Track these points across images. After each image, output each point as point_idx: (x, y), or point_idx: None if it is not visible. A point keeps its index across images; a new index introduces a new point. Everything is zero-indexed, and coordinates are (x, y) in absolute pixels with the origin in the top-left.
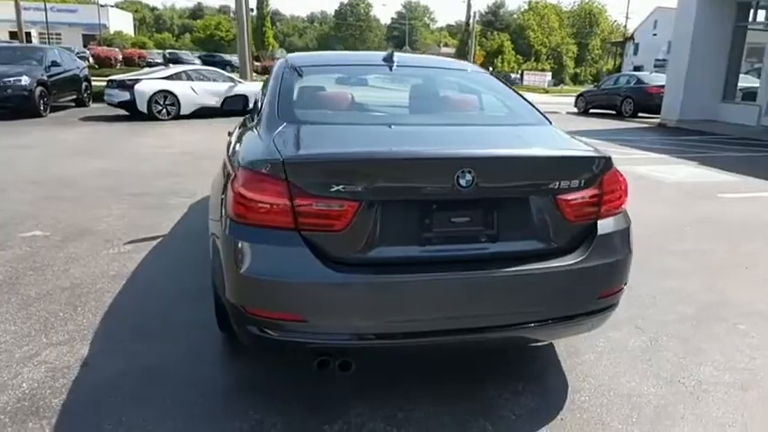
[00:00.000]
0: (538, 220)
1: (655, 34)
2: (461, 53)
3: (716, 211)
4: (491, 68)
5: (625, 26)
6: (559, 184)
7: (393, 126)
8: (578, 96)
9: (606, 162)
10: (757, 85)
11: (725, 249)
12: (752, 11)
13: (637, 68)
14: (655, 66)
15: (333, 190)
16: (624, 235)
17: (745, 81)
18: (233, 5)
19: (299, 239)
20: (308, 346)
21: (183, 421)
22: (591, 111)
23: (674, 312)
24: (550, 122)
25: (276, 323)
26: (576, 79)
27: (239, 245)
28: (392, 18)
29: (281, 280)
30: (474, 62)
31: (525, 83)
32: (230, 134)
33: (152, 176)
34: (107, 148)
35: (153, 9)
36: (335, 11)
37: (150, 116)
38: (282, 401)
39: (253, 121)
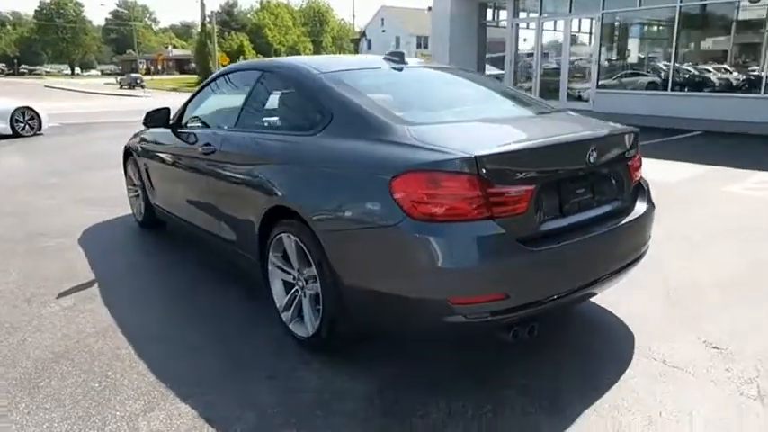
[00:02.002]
0: (621, 184)
1: (383, 30)
2: (201, 54)
3: None
4: None
5: (353, 24)
6: (628, 153)
7: (499, 119)
8: None
9: (638, 134)
10: (503, 71)
11: None
12: (489, 11)
13: None
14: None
15: (516, 178)
16: (650, 191)
17: (491, 70)
18: None
19: (496, 226)
20: (505, 321)
21: None
22: None
23: None
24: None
25: (482, 306)
26: None
27: (438, 242)
28: (107, 19)
29: (486, 265)
30: (219, 64)
31: None
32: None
33: None
34: None
35: None
36: (36, 11)
37: None
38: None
39: (303, 132)
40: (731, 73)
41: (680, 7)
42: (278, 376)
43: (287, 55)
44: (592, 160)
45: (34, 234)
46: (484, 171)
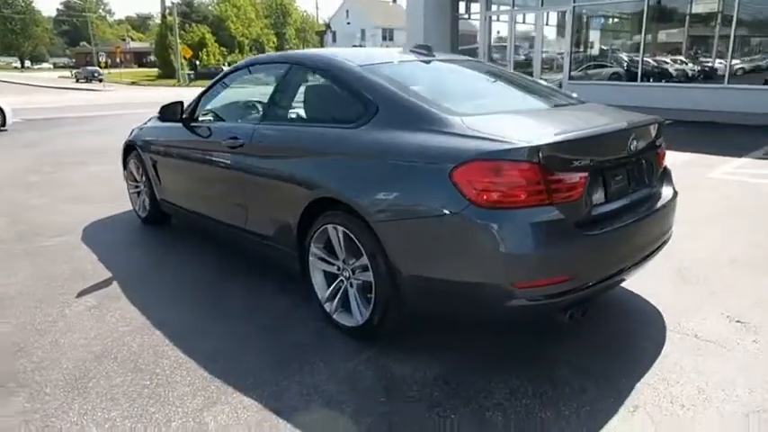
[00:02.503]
0: (651, 171)
1: (348, 23)
2: (162, 47)
3: None
4: (197, 62)
5: (316, 17)
6: (657, 141)
7: (539, 110)
8: None
9: (663, 123)
10: None
11: None
12: (462, 3)
13: None
14: None
15: (572, 166)
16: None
17: None
18: None
19: (557, 211)
20: (563, 303)
21: None
22: None
23: None
24: None
25: (543, 289)
26: None
27: (503, 228)
28: (58, 10)
29: (549, 249)
30: (182, 57)
31: None
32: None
33: None
34: None
35: None
36: None
37: None
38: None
39: (354, 125)
40: (698, 64)
41: (648, 0)
42: (333, 365)
43: (251, 48)
44: (632, 148)
45: (30, 234)
46: (544, 159)
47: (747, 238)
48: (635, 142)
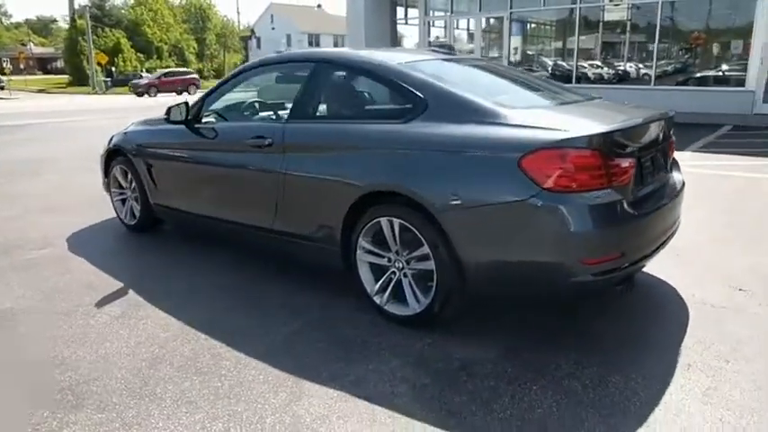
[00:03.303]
0: (666, 158)
1: (273, 28)
2: (72, 52)
3: None
4: (113, 69)
5: (238, 22)
6: (671, 132)
7: (574, 104)
8: None
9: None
10: None
11: None
12: (400, 9)
13: None
14: None
15: (623, 152)
16: None
17: None
18: None
19: (615, 193)
20: (617, 278)
21: None
22: None
23: None
24: None
25: (604, 265)
26: (200, 75)
27: (572, 210)
28: None
29: (611, 228)
30: (96, 62)
31: None
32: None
33: None
34: None
35: None
36: None
37: None
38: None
39: (400, 120)
40: (628, 67)
41: (579, 8)
42: (399, 353)
43: (170, 53)
44: (661, 137)
45: (9, 247)
46: (603, 146)
47: (715, 220)
48: (661, 132)
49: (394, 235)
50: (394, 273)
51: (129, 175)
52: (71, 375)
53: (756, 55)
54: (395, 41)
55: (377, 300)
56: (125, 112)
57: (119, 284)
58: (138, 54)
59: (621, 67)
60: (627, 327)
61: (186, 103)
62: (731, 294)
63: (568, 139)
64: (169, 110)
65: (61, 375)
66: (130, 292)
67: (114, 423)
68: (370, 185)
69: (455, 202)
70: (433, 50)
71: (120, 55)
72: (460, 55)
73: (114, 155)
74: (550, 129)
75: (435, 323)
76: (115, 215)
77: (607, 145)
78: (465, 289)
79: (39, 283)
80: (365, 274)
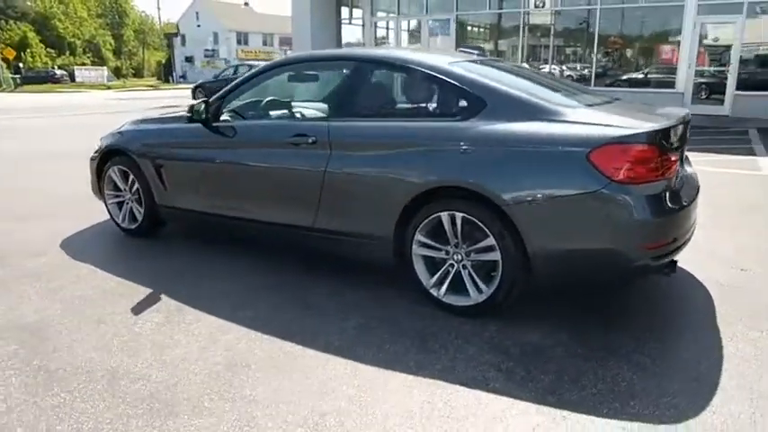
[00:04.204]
0: (683, 154)
1: (199, 25)
2: None
3: None
4: (21, 65)
5: (158, 18)
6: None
7: (613, 103)
8: (195, 88)
9: None
10: None
11: None
12: (345, 9)
13: (188, 59)
14: (205, 56)
15: (670, 147)
16: None
17: None
18: None
19: (668, 184)
20: (667, 261)
21: None
22: None
23: None
24: None
25: (661, 249)
26: (118, 73)
27: (638, 199)
28: None
29: (667, 215)
30: (2, 57)
31: (79, 79)
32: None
33: None
34: None
35: None
36: None
37: None
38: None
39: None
40: (573, 69)
41: (524, 12)
42: (472, 341)
43: (84, 49)
44: (687, 134)
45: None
46: (659, 142)
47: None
48: (686, 130)
49: (455, 228)
50: (452, 265)
51: (131, 177)
52: (145, 384)
53: (684, 60)
54: (340, 43)
55: (433, 292)
56: (53, 111)
57: (145, 290)
58: (49, 50)
59: (566, 69)
60: (661, 308)
61: (207, 101)
62: (737, 274)
63: (632, 134)
64: (192, 108)
65: (133, 384)
66: (163, 297)
67: (222, 426)
68: (434, 181)
69: (525, 196)
70: (464, 52)
71: (27, 50)
72: (490, 58)
73: (111, 156)
74: (611, 126)
75: (494, 312)
76: (105, 219)
77: (661, 140)
78: (530, 278)
79: (52, 292)
80: (420, 268)
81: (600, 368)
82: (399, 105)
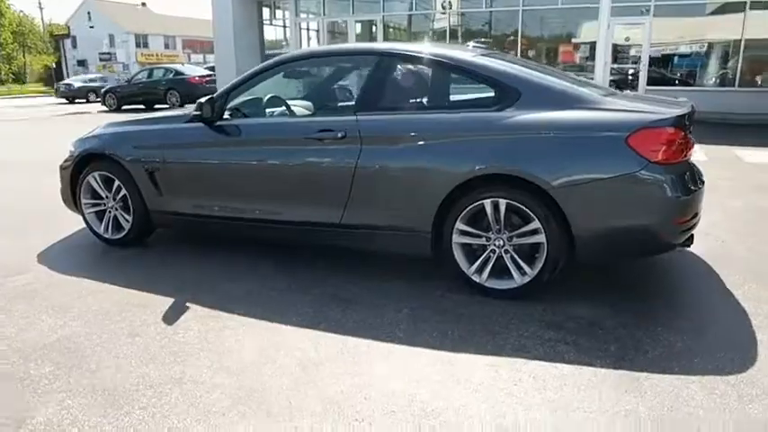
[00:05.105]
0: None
1: (92, 26)
2: None
3: None
4: None
5: (42, 19)
6: None
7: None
8: (105, 93)
9: None
10: None
11: None
12: (266, 10)
13: (81, 62)
14: (100, 59)
15: (689, 131)
16: None
17: None
18: None
19: (692, 164)
20: (688, 234)
21: None
22: (124, 107)
23: None
24: None
25: (687, 224)
26: None
27: (671, 178)
28: None
29: (694, 192)
30: None
31: None
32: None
33: None
34: None
35: None
36: None
37: None
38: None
39: (498, 108)
40: None
41: (449, 13)
42: (530, 320)
43: None
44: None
45: None
46: (683, 125)
47: None
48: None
49: (497, 215)
50: (493, 251)
51: (116, 183)
52: (223, 392)
53: (601, 58)
54: (263, 42)
55: (475, 278)
56: None
57: (163, 299)
58: None
59: None
60: (672, 277)
61: (212, 98)
62: (720, 245)
63: (664, 119)
64: (201, 106)
65: (211, 393)
66: (189, 305)
67: (326, 424)
68: (479, 170)
69: (570, 180)
70: (476, 47)
71: None
72: (498, 52)
73: (88, 162)
74: (642, 111)
75: (542, 292)
76: (75, 231)
77: (684, 124)
78: (573, 257)
79: (62, 310)
80: (459, 256)
81: (654, 335)
82: (430, 98)
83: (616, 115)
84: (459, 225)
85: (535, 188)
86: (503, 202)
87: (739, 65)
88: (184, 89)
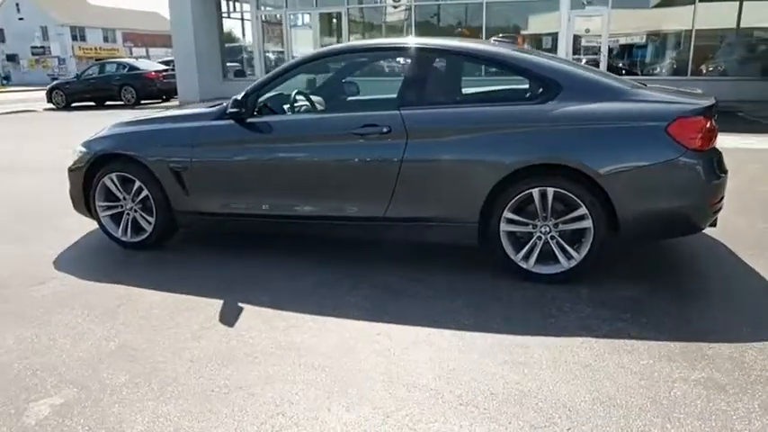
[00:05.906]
0: None
1: (21, 18)
2: None
3: None
4: None
5: None
6: None
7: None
8: (52, 90)
9: None
10: (237, 65)
11: None
12: (223, 2)
13: (11, 58)
14: (33, 54)
15: (713, 120)
16: None
17: (232, 62)
18: None
19: (716, 150)
20: (717, 215)
21: None
22: (74, 104)
23: None
24: None
25: (718, 205)
26: None
27: (706, 164)
28: None
29: (722, 177)
30: None
31: None
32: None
33: None
34: None
35: None
36: None
37: None
38: None
39: (537, 101)
40: None
41: (414, 6)
42: (580, 301)
43: None
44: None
45: None
46: (712, 115)
47: None
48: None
49: (544, 203)
50: (539, 237)
51: (137, 184)
52: (318, 388)
53: (562, 49)
54: (222, 35)
55: (522, 264)
56: None
57: (210, 301)
58: None
59: None
60: (694, 254)
61: (246, 94)
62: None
63: (698, 109)
64: (237, 102)
65: (307, 390)
66: (241, 305)
67: (437, 407)
68: (528, 160)
69: (615, 167)
70: (499, 42)
71: None
72: (526, 47)
73: (104, 163)
74: (677, 102)
75: (585, 274)
76: (82, 235)
77: (713, 114)
78: (617, 240)
79: (107, 318)
80: (506, 244)
81: (697, 309)
82: (473, 92)
83: (654, 106)
84: (507, 214)
85: (583, 176)
86: (550, 191)
87: (690, 54)
88: (140, 85)
